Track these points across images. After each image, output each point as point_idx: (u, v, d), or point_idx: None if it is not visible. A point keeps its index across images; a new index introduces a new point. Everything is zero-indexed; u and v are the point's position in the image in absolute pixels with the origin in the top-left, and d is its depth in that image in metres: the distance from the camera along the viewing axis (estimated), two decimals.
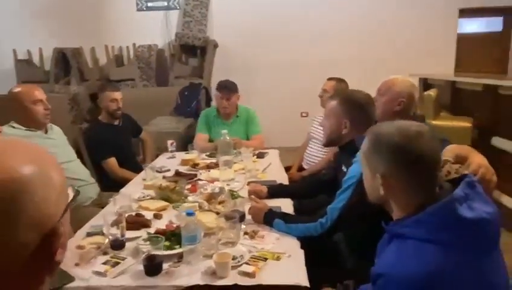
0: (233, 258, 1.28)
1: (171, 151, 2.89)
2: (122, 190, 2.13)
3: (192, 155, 2.69)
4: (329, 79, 2.92)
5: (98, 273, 1.27)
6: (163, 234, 1.48)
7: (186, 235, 1.27)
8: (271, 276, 1.23)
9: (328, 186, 1.86)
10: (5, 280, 0.48)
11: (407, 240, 0.88)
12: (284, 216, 1.55)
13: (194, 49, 5.53)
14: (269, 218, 1.55)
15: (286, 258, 1.33)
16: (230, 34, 5.56)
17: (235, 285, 1.19)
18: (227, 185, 2.02)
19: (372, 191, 0.99)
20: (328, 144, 1.69)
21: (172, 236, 1.46)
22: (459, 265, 0.82)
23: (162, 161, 2.77)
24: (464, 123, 3.48)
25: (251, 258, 1.31)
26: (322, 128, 2.71)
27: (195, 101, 4.67)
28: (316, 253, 1.41)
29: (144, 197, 1.96)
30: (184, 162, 2.59)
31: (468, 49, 5.72)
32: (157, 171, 2.41)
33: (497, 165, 1.18)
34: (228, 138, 2.15)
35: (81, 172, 2.38)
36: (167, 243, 1.41)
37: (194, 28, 5.52)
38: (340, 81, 2.87)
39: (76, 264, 1.34)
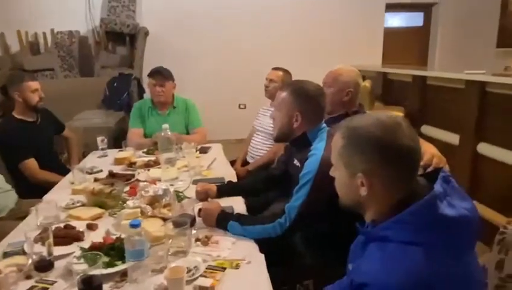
0: (188, 271, 1.13)
1: (102, 149, 2.61)
2: (46, 197, 1.85)
3: (127, 153, 2.44)
4: (274, 69, 2.84)
5: None
6: (99, 248, 1.26)
7: (131, 251, 1.08)
8: (231, 288, 1.10)
9: (279, 181, 1.77)
10: None
11: (389, 244, 0.80)
12: (239, 218, 1.42)
13: (122, 37, 5.11)
14: (223, 220, 1.41)
15: (245, 266, 1.20)
16: (162, 20, 5.25)
17: None
18: (170, 185, 1.83)
19: (348, 193, 0.90)
20: (279, 138, 1.58)
21: (112, 250, 1.25)
22: (447, 265, 0.76)
23: (91, 160, 2.48)
24: (397, 113, 3.63)
25: (207, 269, 1.17)
26: (270, 121, 2.64)
27: (126, 93, 4.32)
28: (272, 253, 1.31)
29: (73, 204, 1.70)
30: (118, 161, 2.33)
31: (394, 42, 6.04)
32: (87, 173, 2.14)
33: None
34: (170, 132, 1.96)
35: None
36: (106, 260, 1.21)
37: (121, 14, 5.10)
38: (286, 72, 2.80)
39: None
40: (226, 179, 1.94)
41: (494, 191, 2.65)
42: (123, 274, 1.15)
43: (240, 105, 5.68)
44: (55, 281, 1.13)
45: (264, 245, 1.35)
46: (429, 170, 1.15)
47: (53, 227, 1.42)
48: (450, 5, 5.85)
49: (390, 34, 6.01)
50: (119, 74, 4.44)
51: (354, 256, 0.95)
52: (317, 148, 1.41)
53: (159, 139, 1.95)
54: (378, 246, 0.83)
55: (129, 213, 1.47)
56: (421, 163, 1.17)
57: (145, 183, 1.75)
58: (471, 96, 2.84)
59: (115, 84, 4.38)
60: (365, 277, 0.79)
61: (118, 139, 3.93)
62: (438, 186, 0.82)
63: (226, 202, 1.65)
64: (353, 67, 2.07)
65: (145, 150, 2.55)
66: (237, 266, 1.19)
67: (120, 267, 1.15)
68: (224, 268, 1.17)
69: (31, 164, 2.42)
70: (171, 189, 1.70)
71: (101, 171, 2.21)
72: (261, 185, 1.81)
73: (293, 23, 5.51)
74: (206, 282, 1.10)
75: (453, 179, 0.88)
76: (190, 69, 5.36)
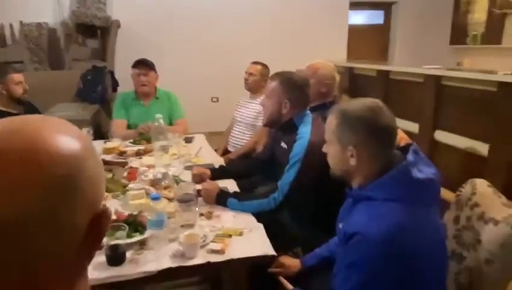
0: None
1: None
2: None
3: (115, 143, 2.54)
4: (254, 63, 3.01)
5: None
6: (114, 223, 1.41)
7: (153, 220, 1.24)
8: (239, 250, 1.28)
9: (265, 165, 1.96)
10: (60, 263, 0.45)
11: (373, 201, 1.02)
12: (237, 195, 1.61)
13: (93, 30, 5.09)
14: (222, 198, 1.59)
15: (248, 233, 1.40)
16: (133, 13, 5.26)
17: (208, 263, 1.22)
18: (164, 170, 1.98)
19: (339, 163, 1.10)
20: (268, 123, 1.78)
21: (128, 224, 1.40)
22: (417, 216, 0.99)
23: None
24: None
25: (216, 236, 1.34)
26: (250, 112, 2.82)
27: (100, 85, 4.34)
28: (266, 226, 1.51)
29: None
30: (108, 151, 2.43)
31: (357, 38, 6.38)
32: None
33: None
34: (162, 122, 2.09)
35: None
36: (124, 232, 1.36)
37: (91, 6, 5.06)
38: (264, 66, 2.98)
39: None
40: (215, 165, 2.11)
41: (448, 173, 2.98)
42: (141, 243, 1.30)
43: (212, 98, 5.81)
44: None
45: (258, 219, 1.54)
46: (402, 145, 1.38)
47: None
48: (408, 4, 6.26)
49: (354, 31, 6.34)
50: (92, 67, 4.44)
51: (343, 216, 1.17)
52: (304, 132, 1.62)
53: (153, 127, 2.08)
54: (364, 204, 1.04)
55: (135, 194, 1.61)
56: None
57: (145, 168, 1.89)
58: (429, 89, 3.16)
59: (89, 77, 4.38)
60: (356, 227, 1.00)
61: (95, 131, 3.98)
62: (410, 156, 1.05)
63: (220, 184, 1.82)
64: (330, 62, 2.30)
65: (131, 140, 2.65)
66: (241, 234, 1.38)
67: (140, 237, 1.30)
68: (230, 235, 1.36)
69: None
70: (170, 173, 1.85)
71: None
72: (250, 169, 2.00)
73: (264, 19, 5.69)
74: (216, 246, 1.28)
75: (420, 151, 1.11)
76: (162, 62, 5.37)
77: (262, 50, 5.64)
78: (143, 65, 2.83)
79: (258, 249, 1.29)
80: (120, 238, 1.26)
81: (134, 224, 1.36)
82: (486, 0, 5.24)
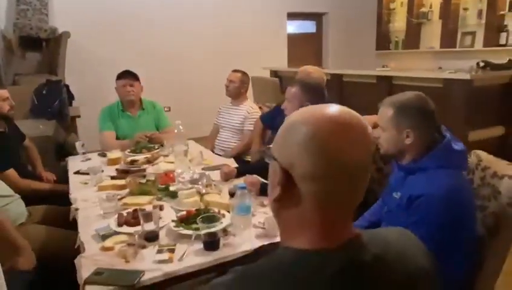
0: None
1: (83, 153, 2.66)
2: (77, 198, 1.93)
3: (117, 153, 2.56)
4: (234, 71, 3.20)
5: (162, 261, 1.28)
6: (187, 218, 1.55)
7: (242, 206, 1.42)
8: None
9: None
10: None
11: (428, 170, 1.34)
12: None
13: (36, 42, 4.82)
14: (266, 188, 1.79)
15: None
16: (77, 24, 5.08)
17: None
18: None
19: (395, 144, 1.40)
20: None
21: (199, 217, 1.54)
22: (461, 177, 1.34)
23: (77, 164, 2.53)
24: None
25: None
26: (235, 118, 3.00)
27: (58, 100, 4.15)
28: None
29: (113, 196, 1.86)
30: (112, 162, 2.45)
31: (295, 46, 6.91)
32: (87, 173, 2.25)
33: None
34: (181, 127, 2.21)
35: (2, 187, 2.00)
36: (196, 225, 1.50)
37: (32, 18, 4.79)
38: (244, 73, 3.20)
39: (127, 262, 1.30)
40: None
41: None
42: (224, 231, 1.46)
43: (164, 108, 5.82)
44: (174, 244, 1.38)
45: None
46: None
47: (124, 212, 1.62)
48: (337, 15, 6.95)
49: (293, 39, 6.86)
50: (47, 81, 4.23)
51: (396, 186, 1.47)
52: None
53: (175, 134, 2.19)
54: (420, 173, 1.36)
55: (188, 193, 1.74)
56: None
57: (179, 171, 2.01)
58: (382, 88, 3.68)
59: (44, 92, 4.16)
60: (420, 191, 1.31)
61: (57, 148, 3.83)
62: (447, 134, 1.39)
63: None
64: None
65: (129, 150, 2.68)
66: None
67: (221, 226, 1.45)
68: None
69: (12, 174, 2.36)
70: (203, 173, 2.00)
71: (103, 171, 2.31)
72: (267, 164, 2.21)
73: (210, 30, 5.89)
74: None
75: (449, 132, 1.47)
76: (110, 73, 5.31)
77: (209, 59, 5.87)
78: (128, 74, 2.88)
79: None
80: (202, 229, 1.41)
81: (208, 217, 1.51)
82: (404, 11, 6.10)
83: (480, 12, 5.01)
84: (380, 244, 0.67)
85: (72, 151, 4.02)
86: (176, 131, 2.20)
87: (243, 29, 6.12)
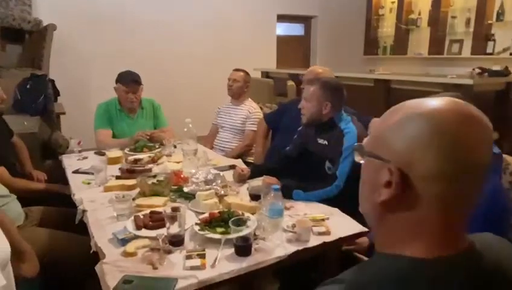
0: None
1: (80, 152, 2.51)
2: (82, 199, 1.80)
3: (117, 152, 2.43)
4: (236, 70, 3.12)
5: (195, 267, 1.19)
6: (210, 221, 1.46)
7: (275, 208, 1.34)
8: (339, 230, 1.45)
9: (297, 160, 2.14)
10: None
11: None
12: (299, 186, 1.76)
13: (18, 34, 4.56)
14: (287, 190, 1.72)
15: (332, 217, 1.57)
16: (61, 17, 4.86)
17: (324, 243, 1.37)
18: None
19: None
20: (309, 122, 1.97)
21: (222, 221, 1.46)
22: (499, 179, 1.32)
23: (76, 163, 2.38)
24: None
25: (313, 220, 1.49)
26: (236, 118, 2.94)
27: (43, 95, 3.94)
28: None
29: (123, 197, 1.74)
30: (113, 161, 2.32)
31: (283, 48, 6.89)
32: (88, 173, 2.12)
33: None
34: (191, 126, 2.11)
35: None
36: (222, 229, 1.41)
37: (15, 8, 4.55)
38: (246, 72, 3.12)
39: (155, 268, 1.20)
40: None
41: None
42: (254, 235, 1.38)
43: None
44: (203, 249, 1.29)
45: None
46: None
47: (141, 215, 1.52)
48: (325, 18, 6.98)
49: (282, 41, 6.84)
50: (31, 75, 4.01)
51: None
52: (349, 127, 1.86)
53: (186, 133, 2.09)
54: None
55: (207, 194, 1.65)
56: None
57: (192, 171, 1.91)
58: (380, 92, 3.69)
59: (28, 86, 3.94)
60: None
61: (45, 145, 3.63)
62: None
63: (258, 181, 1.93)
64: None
65: (128, 149, 2.55)
66: (328, 219, 1.55)
67: (250, 229, 1.37)
68: (323, 219, 1.52)
69: (3, 172, 2.19)
70: (217, 173, 1.91)
71: (101, 170, 2.18)
72: (281, 165, 2.15)
73: (201, 30, 5.77)
74: (321, 229, 1.43)
75: None
76: (95, 70, 5.14)
77: (201, 59, 5.76)
78: (133, 83, 2.73)
79: (353, 228, 1.48)
80: (233, 233, 1.33)
81: (236, 219, 1.42)
82: (393, 17, 6.18)
83: (468, 21, 5.13)
84: (494, 250, 0.62)
85: (58, 149, 3.85)
86: (185, 130, 2.10)
87: (233, 30, 6.04)
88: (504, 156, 1.59)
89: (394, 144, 0.59)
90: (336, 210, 1.63)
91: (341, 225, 1.50)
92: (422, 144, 0.56)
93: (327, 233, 1.42)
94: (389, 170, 0.58)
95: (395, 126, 0.60)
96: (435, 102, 0.59)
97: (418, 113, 0.58)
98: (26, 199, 2.07)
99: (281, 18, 6.72)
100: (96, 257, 1.36)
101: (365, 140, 0.68)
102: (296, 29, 7.25)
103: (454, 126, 0.55)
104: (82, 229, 1.75)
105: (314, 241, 1.37)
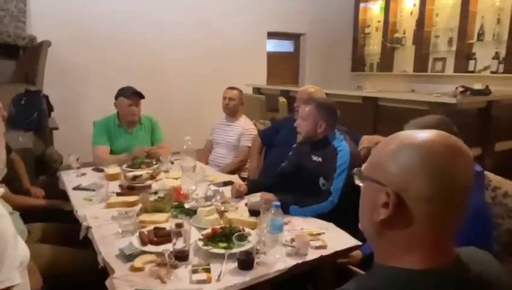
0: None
1: (78, 168, 2.56)
2: (86, 215, 1.85)
3: (116, 169, 2.48)
4: (230, 88, 3.21)
5: (201, 281, 1.26)
6: (213, 237, 1.53)
7: (276, 224, 1.42)
8: (335, 244, 1.54)
9: (292, 176, 2.22)
10: None
11: None
12: (296, 202, 1.84)
13: (11, 50, 4.60)
14: (284, 205, 1.80)
15: (328, 231, 1.66)
16: (56, 33, 4.92)
17: (321, 257, 1.45)
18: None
19: None
20: (304, 141, 2.07)
21: (224, 236, 1.53)
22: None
23: (73, 179, 2.42)
24: None
25: (311, 235, 1.57)
26: (231, 134, 3.03)
27: (37, 111, 3.97)
28: None
29: (126, 213, 1.80)
30: (111, 177, 2.38)
31: (273, 64, 7.04)
32: (88, 189, 2.18)
33: None
34: (190, 143, 2.19)
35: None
36: (224, 243, 1.49)
37: (9, 25, 4.59)
38: (239, 90, 3.22)
39: (163, 282, 1.26)
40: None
41: None
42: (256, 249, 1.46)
43: None
44: (208, 263, 1.36)
45: None
46: None
47: (145, 231, 1.58)
48: (314, 36, 7.17)
49: (272, 57, 7.00)
50: (25, 91, 4.04)
51: None
52: (342, 145, 1.96)
53: (184, 150, 2.16)
54: None
55: (208, 210, 1.72)
56: None
57: (192, 188, 1.98)
58: (368, 109, 3.83)
59: (22, 102, 3.97)
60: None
61: (38, 161, 3.66)
62: None
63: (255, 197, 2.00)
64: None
65: (125, 165, 2.60)
66: (323, 233, 1.63)
67: (251, 244, 1.45)
68: (319, 233, 1.60)
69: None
70: (215, 189, 1.98)
71: (102, 186, 2.23)
72: (278, 180, 2.23)
73: (192, 45, 5.88)
74: (318, 243, 1.51)
75: None
76: (88, 86, 5.20)
77: (193, 74, 5.86)
78: (136, 96, 2.81)
79: (347, 242, 1.57)
80: (236, 247, 1.40)
81: (238, 235, 1.50)
82: (380, 36, 6.40)
83: (450, 40, 5.36)
84: (478, 262, 0.71)
85: (53, 165, 3.87)
86: (184, 147, 2.17)
87: (225, 46, 6.17)
88: (486, 173, 1.71)
89: (390, 170, 0.68)
90: (331, 225, 1.72)
91: (336, 239, 1.59)
92: (415, 171, 0.65)
93: (324, 247, 1.50)
94: (386, 193, 0.68)
95: (391, 154, 0.69)
96: (424, 134, 0.69)
97: (410, 144, 0.68)
98: (25, 215, 2.11)
99: (271, 35, 6.89)
100: (100, 271, 1.42)
101: (364, 166, 0.77)
102: (286, 46, 7.43)
103: (441, 156, 0.65)
104: (83, 244, 1.81)
105: (312, 254, 1.46)
